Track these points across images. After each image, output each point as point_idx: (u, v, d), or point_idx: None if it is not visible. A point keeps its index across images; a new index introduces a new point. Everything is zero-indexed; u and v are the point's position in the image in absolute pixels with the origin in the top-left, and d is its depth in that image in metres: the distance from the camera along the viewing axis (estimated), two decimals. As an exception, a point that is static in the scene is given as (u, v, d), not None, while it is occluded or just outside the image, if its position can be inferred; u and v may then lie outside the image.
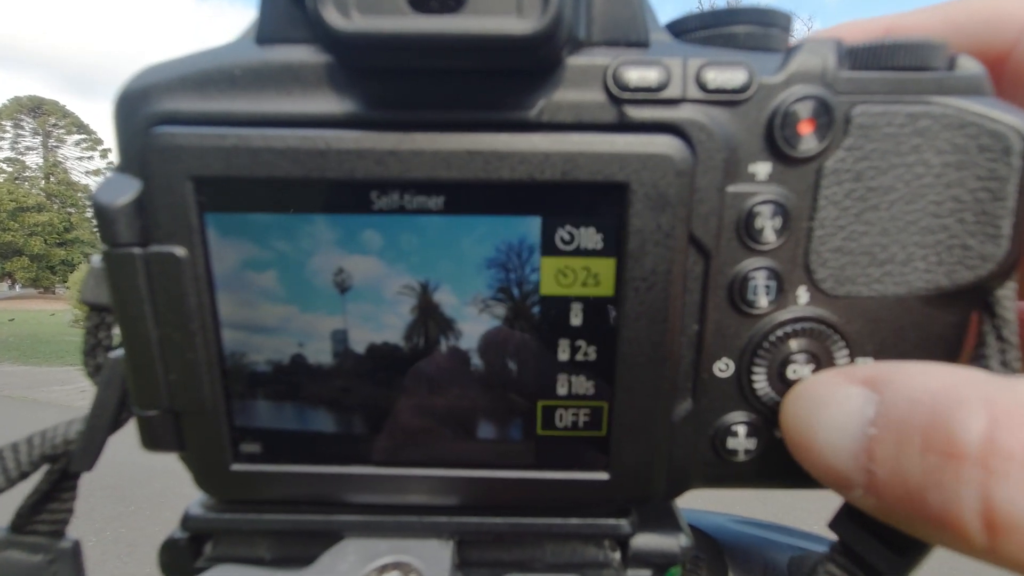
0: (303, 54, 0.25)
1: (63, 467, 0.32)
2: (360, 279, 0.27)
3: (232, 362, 0.28)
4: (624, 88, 0.25)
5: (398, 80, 0.25)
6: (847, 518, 0.27)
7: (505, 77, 0.25)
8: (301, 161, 0.25)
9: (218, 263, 0.27)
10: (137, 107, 0.26)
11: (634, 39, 0.26)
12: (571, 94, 0.25)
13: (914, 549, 0.25)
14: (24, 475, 0.32)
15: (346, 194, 0.26)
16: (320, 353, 0.28)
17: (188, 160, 0.25)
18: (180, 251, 0.26)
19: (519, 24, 0.21)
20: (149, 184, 0.26)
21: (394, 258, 0.27)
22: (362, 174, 0.25)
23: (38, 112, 40.97)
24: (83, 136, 41.68)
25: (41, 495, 0.33)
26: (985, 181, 0.25)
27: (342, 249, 0.27)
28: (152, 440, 0.29)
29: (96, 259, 0.28)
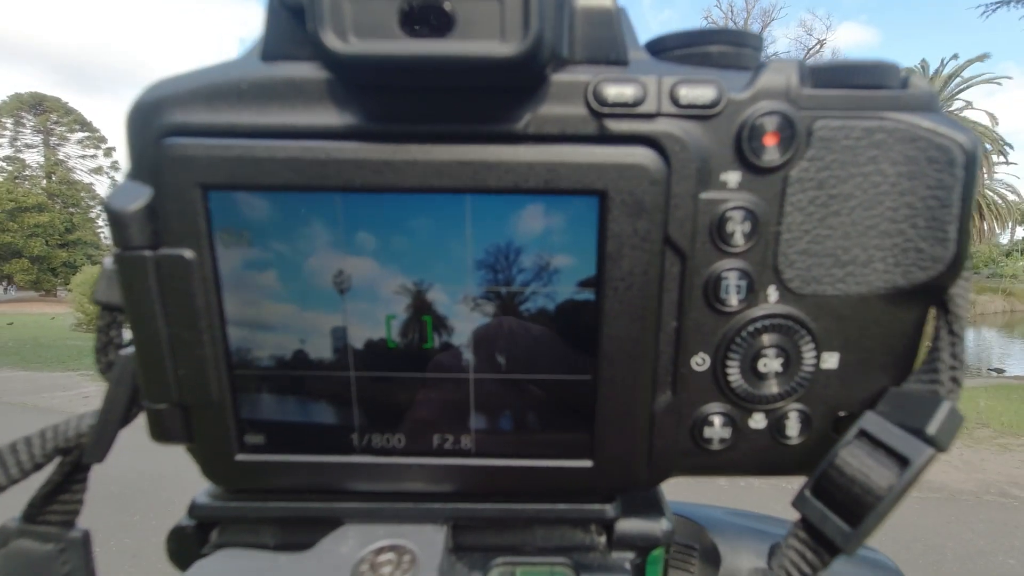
0: (305, 70, 0.27)
1: (75, 459, 0.34)
2: (358, 279, 0.29)
3: (238, 358, 0.30)
4: (603, 103, 0.26)
5: (394, 95, 0.27)
6: (808, 495, 0.29)
7: (494, 93, 0.27)
8: (302, 170, 0.27)
9: (224, 265, 0.29)
10: (149, 119, 0.27)
11: (614, 58, 0.28)
12: (555, 108, 0.27)
13: (866, 521, 0.27)
14: (38, 467, 0.33)
15: None
16: (321, 349, 0.30)
17: (197, 169, 0.27)
18: (189, 254, 0.28)
19: (502, 47, 0.23)
20: (160, 191, 0.27)
21: (388, 259, 0.28)
22: (360, 183, 0.27)
23: (39, 109, 40.56)
24: (86, 134, 41.31)
25: (53, 486, 0.35)
26: (934, 190, 0.27)
27: (340, 251, 0.28)
28: (161, 432, 0.31)
29: (108, 261, 0.30)
